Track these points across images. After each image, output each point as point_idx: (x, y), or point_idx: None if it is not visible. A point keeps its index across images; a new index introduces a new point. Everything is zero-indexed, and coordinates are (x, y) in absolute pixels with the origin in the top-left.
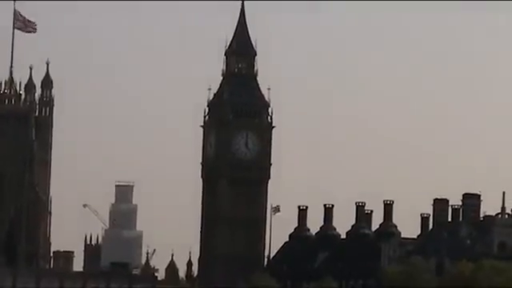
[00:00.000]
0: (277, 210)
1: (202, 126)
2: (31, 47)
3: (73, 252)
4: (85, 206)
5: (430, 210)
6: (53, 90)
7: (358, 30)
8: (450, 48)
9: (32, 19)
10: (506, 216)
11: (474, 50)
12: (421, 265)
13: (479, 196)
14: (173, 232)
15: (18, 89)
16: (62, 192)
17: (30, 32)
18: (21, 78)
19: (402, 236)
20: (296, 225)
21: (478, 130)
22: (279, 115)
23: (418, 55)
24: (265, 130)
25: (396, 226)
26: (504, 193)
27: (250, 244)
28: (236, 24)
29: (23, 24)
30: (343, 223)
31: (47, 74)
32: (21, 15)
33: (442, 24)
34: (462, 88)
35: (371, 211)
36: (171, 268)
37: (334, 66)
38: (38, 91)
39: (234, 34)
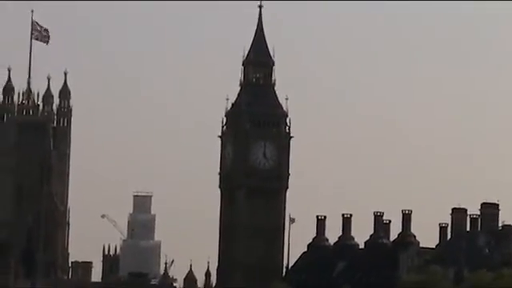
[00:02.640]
0: (292, 221)
1: (219, 137)
2: (49, 57)
3: (91, 262)
4: (103, 216)
5: (448, 220)
6: (71, 101)
7: (379, 36)
8: (478, 51)
9: (49, 28)
10: None
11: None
12: (439, 274)
13: (497, 205)
14: (191, 242)
15: (35, 99)
16: (80, 202)
17: (45, 42)
18: (39, 89)
19: (421, 245)
20: (314, 234)
21: (496, 139)
22: (297, 125)
23: (445, 63)
24: (283, 140)
25: (414, 236)
26: None
27: (269, 254)
28: (254, 33)
29: (40, 34)
30: (361, 233)
31: (65, 84)
32: (38, 25)
33: (465, 19)
34: (481, 96)
35: (389, 221)
36: (189, 278)
37: (353, 76)
38: (56, 101)
39: (252, 43)
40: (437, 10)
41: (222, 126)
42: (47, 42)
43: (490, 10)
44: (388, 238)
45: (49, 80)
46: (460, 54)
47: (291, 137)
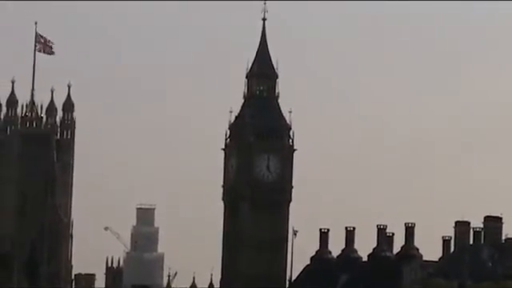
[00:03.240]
0: (295, 233)
1: (223, 149)
2: (53, 70)
3: (94, 275)
4: (106, 228)
5: (451, 233)
6: (74, 113)
7: (379, 48)
8: (479, 56)
9: (53, 40)
10: None
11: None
12: (442, 287)
13: (501, 218)
14: (194, 254)
15: (39, 111)
16: (83, 214)
17: (49, 54)
18: (42, 101)
19: (424, 259)
20: (317, 247)
21: (500, 151)
22: (300, 138)
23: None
24: (286, 153)
25: (417, 249)
26: None
27: (272, 266)
28: (257, 46)
29: (44, 45)
30: (365, 246)
31: (68, 97)
32: (42, 37)
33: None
34: (484, 106)
35: (393, 234)
36: None
37: (358, 89)
38: (60, 114)
39: (256, 56)
40: (438, 10)
41: (226, 139)
42: (51, 53)
43: (489, 10)
44: (391, 251)
45: (52, 92)
46: (461, 55)
47: (294, 149)
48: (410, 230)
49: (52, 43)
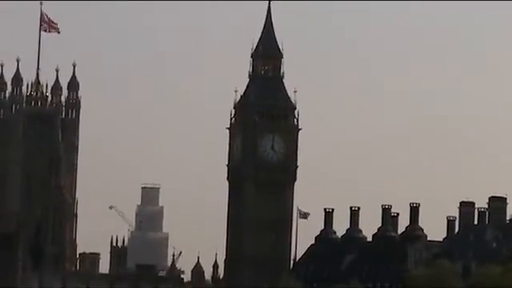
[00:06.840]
0: (305, 216)
1: (228, 128)
2: (58, 49)
3: (99, 254)
4: (111, 207)
5: (456, 213)
6: (79, 92)
7: (385, 30)
8: (473, 45)
9: (57, 20)
10: None
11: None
12: (447, 268)
13: (505, 199)
14: (199, 234)
15: (44, 91)
16: (88, 194)
17: (55, 32)
18: (47, 80)
19: (428, 239)
20: (322, 227)
21: (504, 132)
22: (305, 117)
23: (443, 61)
24: (291, 133)
25: (422, 229)
26: None
27: (276, 246)
28: (263, 26)
29: (48, 25)
30: (369, 226)
31: (74, 76)
32: (47, 16)
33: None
34: (488, 90)
35: (397, 214)
36: (197, 270)
37: (362, 68)
38: (65, 93)
39: (261, 36)
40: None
41: (231, 118)
42: (58, 32)
43: (490, 10)
44: (396, 231)
45: (57, 72)
46: (471, 49)
47: (299, 129)
48: (414, 210)
49: (56, 24)
